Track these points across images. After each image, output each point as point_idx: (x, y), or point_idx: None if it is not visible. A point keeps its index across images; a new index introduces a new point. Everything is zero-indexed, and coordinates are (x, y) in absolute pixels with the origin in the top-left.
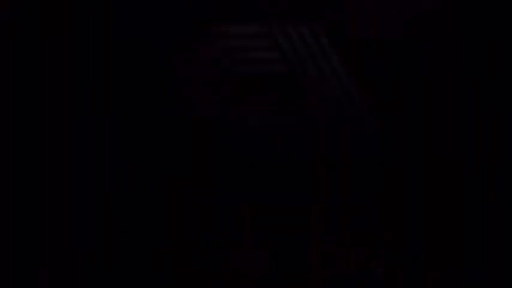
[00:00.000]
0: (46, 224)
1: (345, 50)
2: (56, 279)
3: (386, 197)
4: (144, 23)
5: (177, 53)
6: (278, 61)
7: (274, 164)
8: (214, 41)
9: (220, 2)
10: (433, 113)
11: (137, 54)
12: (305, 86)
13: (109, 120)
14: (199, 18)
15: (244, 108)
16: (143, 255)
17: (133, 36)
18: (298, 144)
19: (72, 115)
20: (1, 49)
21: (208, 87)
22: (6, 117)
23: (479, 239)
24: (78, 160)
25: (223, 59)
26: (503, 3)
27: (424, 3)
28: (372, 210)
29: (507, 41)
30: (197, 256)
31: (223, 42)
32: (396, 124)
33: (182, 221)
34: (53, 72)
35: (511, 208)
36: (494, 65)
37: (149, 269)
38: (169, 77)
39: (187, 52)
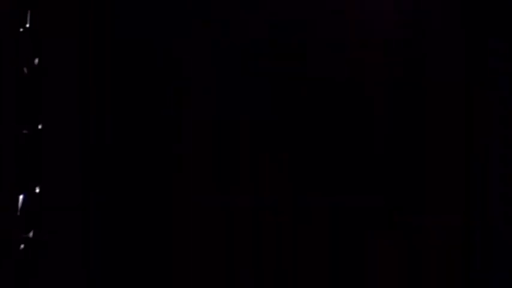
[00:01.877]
0: (46, 224)
1: None
2: (57, 280)
3: None
4: (144, 23)
5: (177, 52)
6: None
7: None
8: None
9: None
10: (436, 114)
11: (137, 54)
12: None
13: (109, 120)
14: (199, 18)
15: None
16: (145, 256)
17: (133, 36)
18: None
19: (72, 115)
20: (1, 49)
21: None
22: (6, 117)
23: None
24: (79, 160)
25: None
26: (503, 3)
27: (424, 3)
28: None
29: (507, 40)
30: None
31: None
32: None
33: (187, 221)
34: (53, 72)
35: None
36: (494, 65)
37: (150, 269)
38: (169, 77)
39: (187, 52)
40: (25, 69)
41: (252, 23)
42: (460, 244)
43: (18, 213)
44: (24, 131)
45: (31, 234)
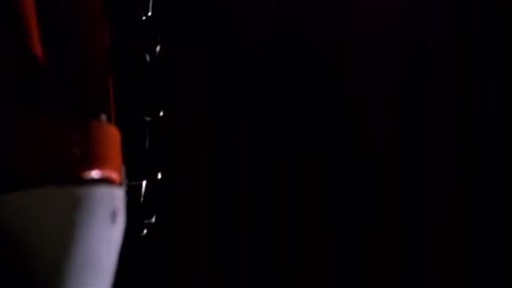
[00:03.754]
0: None
1: None
2: None
3: None
4: (144, 23)
5: (176, 52)
6: None
7: None
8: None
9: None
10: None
11: (139, 54)
12: None
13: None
14: (199, 18)
15: None
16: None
17: (133, 36)
18: None
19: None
20: (124, 40)
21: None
22: (134, 104)
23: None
24: None
25: None
26: (503, 3)
27: (424, 3)
28: None
29: (507, 41)
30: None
31: None
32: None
33: (187, 221)
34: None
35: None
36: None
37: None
38: (169, 77)
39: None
40: (147, 57)
41: (252, 23)
42: (460, 244)
43: (142, 199)
44: (147, 118)
45: (153, 219)
